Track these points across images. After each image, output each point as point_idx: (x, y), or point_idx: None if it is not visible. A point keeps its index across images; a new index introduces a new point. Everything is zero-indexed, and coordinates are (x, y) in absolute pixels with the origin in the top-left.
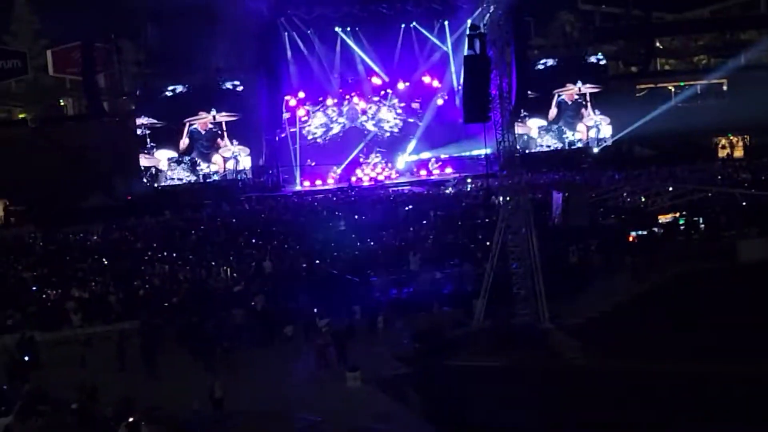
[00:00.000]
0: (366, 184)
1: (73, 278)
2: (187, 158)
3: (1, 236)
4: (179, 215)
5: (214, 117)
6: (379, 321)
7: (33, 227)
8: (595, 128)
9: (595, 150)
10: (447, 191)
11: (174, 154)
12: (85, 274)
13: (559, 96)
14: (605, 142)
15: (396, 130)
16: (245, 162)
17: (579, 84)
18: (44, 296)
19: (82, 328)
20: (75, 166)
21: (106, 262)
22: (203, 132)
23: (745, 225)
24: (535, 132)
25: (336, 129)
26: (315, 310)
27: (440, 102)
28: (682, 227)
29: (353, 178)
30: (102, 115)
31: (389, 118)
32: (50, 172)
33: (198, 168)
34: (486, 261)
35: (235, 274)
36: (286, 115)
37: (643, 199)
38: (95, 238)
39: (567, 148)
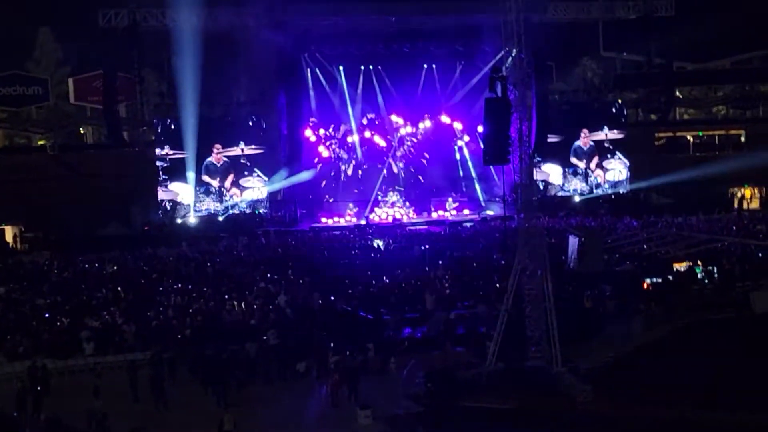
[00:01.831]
0: (383, 222)
1: (87, 307)
2: (214, 188)
3: (16, 262)
4: (196, 247)
5: (242, 150)
6: (392, 359)
7: (48, 254)
8: (613, 174)
9: (612, 196)
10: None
11: (190, 187)
12: (99, 303)
13: (575, 141)
14: (623, 188)
15: (413, 170)
16: (263, 193)
17: (605, 130)
18: (57, 324)
19: (94, 358)
20: (93, 195)
21: (121, 292)
22: (218, 165)
23: (760, 276)
24: (555, 176)
25: (354, 166)
26: (329, 346)
27: (461, 143)
28: (697, 276)
29: (371, 216)
30: (121, 145)
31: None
32: (67, 199)
33: (225, 199)
34: (501, 303)
35: (250, 308)
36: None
37: (658, 247)
38: (111, 267)
39: (592, 191)
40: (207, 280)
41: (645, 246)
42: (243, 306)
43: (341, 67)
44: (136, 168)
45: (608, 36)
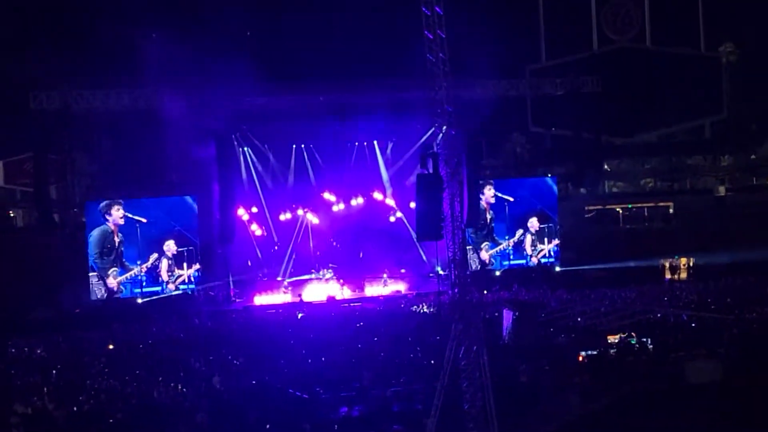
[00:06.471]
0: (317, 299)
1: (16, 392)
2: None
3: None
4: (128, 329)
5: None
6: None
7: None
8: (546, 248)
9: (556, 269)
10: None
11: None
12: (28, 388)
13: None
14: (556, 262)
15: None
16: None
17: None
18: None
19: None
20: (22, 278)
21: (51, 377)
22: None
23: (693, 346)
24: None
25: (287, 244)
26: (266, 427)
27: (393, 219)
28: (632, 348)
29: (303, 294)
30: (52, 228)
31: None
32: None
33: (162, 280)
34: (437, 379)
35: (183, 390)
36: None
37: (592, 319)
38: (40, 351)
39: (532, 265)
40: (139, 362)
41: (579, 319)
42: (178, 388)
43: (273, 146)
44: (66, 250)
45: (537, 112)
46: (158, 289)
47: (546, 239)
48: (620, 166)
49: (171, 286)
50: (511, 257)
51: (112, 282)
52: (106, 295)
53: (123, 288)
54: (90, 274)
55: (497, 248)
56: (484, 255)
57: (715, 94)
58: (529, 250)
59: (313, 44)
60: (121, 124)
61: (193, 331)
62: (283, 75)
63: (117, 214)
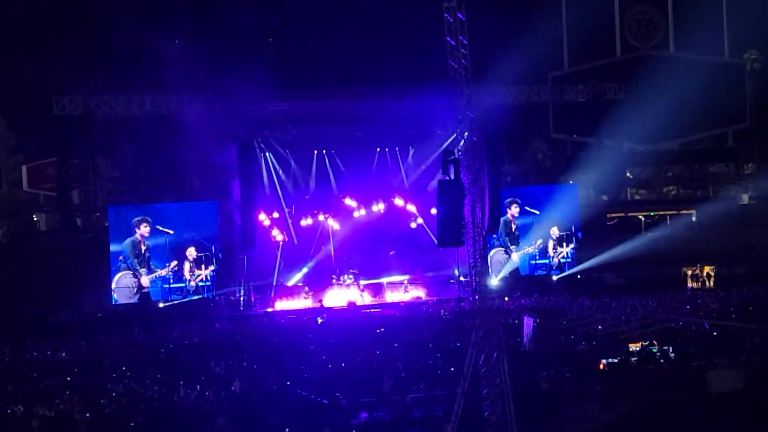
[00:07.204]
0: (338, 305)
1: (38, 395)
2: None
3: None
4: (149, 333)
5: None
6: None
7: None
8: (565, 250)
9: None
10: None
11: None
12: (51, 391)
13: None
14: (573, 263)
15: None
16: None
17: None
18: (8, 412)
19: None
20: (45, 282)
21: (73, 380)
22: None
23: (715, 355)
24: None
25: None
26: (286, 431)
27: (414, 225)
28: (653, 356)
29: (324, 299)
30: (75, 232)
31: None
32: (19, 286)
33: (185, 278)
34: (457, 385)
35: (203, 394)
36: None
37: (613, 327)
38: (63, 354)
39: (553, 265)
40: (160, 366)
41: (600, 326)
42: (198, 391)
43: (294, 152)
44: (89, 254)
45: (558, 118)
46: (182, 285)
47: (565, 243)
48: (642, 173)
49: (192, 284)
50: (537, 258)
51: (144, 280)
52: (137, 289)
53: (150, 285)
54: (126, 272)
55: (523, 251)
56: (514, 256)
57: (738, 102)
58: (551, 252)
59: (336, 50)
60: (142, 130)
61: (213, 336)
62: (304, 81)
63: (145, 229)
